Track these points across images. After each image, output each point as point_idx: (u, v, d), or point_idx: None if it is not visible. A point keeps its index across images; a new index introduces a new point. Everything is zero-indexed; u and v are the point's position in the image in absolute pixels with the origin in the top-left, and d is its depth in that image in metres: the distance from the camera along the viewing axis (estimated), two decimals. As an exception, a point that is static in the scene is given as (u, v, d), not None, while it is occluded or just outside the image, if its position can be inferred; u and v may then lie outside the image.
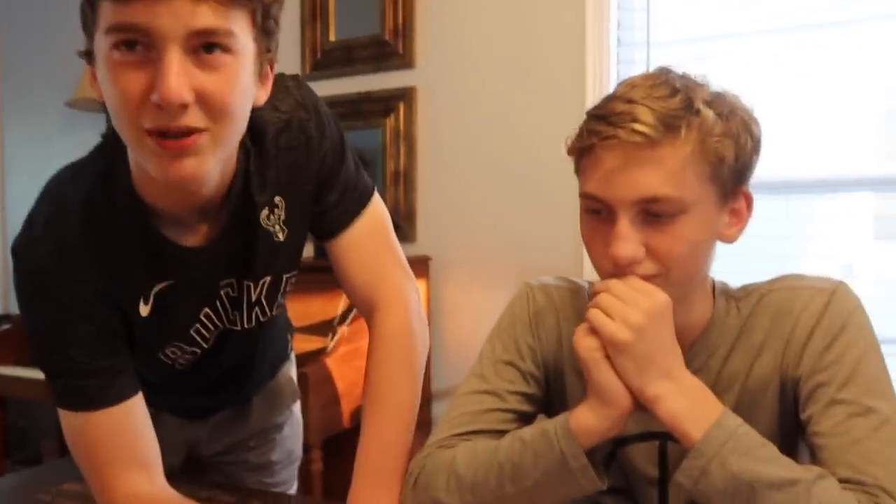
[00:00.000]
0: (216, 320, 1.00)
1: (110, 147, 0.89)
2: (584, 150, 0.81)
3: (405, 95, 2.67)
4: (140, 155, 0.80)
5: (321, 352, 2.28)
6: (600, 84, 2.30)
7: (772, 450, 0.74)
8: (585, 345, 0.79)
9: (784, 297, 0.86)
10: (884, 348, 0.81)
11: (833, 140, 2.17)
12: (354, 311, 2.32)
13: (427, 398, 2.62)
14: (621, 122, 0.77)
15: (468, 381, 0.95)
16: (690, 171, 0.77)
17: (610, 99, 0.82)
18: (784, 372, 0.84)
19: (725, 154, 0.78)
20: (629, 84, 0.81)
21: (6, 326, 3.16)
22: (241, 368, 1.18)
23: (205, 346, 1.01)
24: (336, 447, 2.32)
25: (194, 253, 0.92)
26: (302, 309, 2.37)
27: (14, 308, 3.53)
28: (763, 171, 0.86)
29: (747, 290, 0.90)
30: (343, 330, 2.33)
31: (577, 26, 2.35)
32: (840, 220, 2.23)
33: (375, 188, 1.09)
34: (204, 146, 0.77)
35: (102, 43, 0.75)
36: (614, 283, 0.79)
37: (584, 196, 0.82)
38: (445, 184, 2.66)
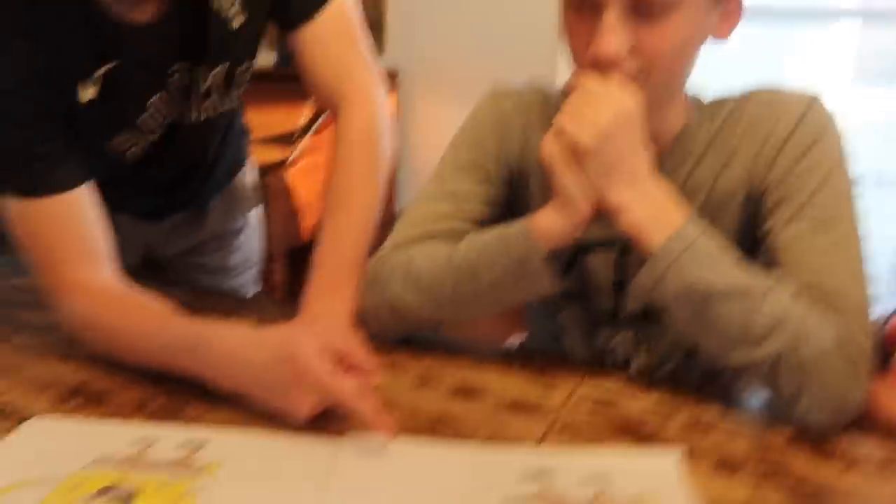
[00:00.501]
0: (164, 110, 0.94)
1: None
2: None
3: None
4: None
5: (283, 163, 2.23)
6: None
7: (731, 259, 0.74)
8: (551, 149, 0.76)
9: (759, 109, 0.83)
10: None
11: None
12: (318, 124, 2.26)
13: (391, 218, 2.61)
14: None
15: (428, 184, 0.93)
16: None
17: None
18: (751, 183, 0.82)
19: None
20: None
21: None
22: (193, 168, 1.14)
23: (152, 137, 0.96)
24: (299, 259, 2.33)
25: (140, 31, 0.85)
26: (263, 119, 2.30)
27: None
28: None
29: (722, 101, 0.86)
30: (305, 141, 2.27)
31: None
32: (823, 52, 2.17)
33: None
34: None
35: None
36: (587, 80, 0.75)
37: None
38: (417, -10, 2.52)
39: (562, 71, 2.28)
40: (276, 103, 2.27)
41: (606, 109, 0.73)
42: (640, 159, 0.76)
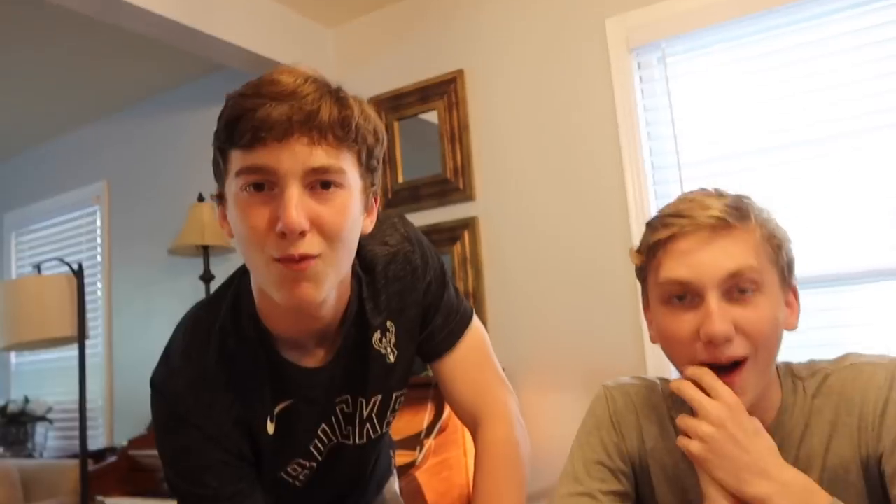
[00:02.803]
0: (331, 435, 1.05)
1: (234, 284, 0.98)
2: (658, 244, 0.84)
3: (468, 225, 2.93)
4: (266, 280, 0.86)
5: (411, 465, 2.38)
6: (640, 203, 2.53)
7: None
8: (687, 448, 0.82)
9: (846, 377, 0.87)
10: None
11: (849, 236, 2.21)
12: (439, 425, 2.46)
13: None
14: (694, 211, 0.82)
15: (563, 482, 0.98)
16: (762, 251, 0.81)
17: (672, 204, 0.86)
18: (864, 450, 0.84)
19: (782, 242, 0.84)
20: (683, 195, 0.88)
21: (112, 459, 3.31)
22: (353, 484, 1.22)
23: (320, 459, 1.06)
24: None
25: (313, 374, 0.98)
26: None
27: (118, 441, 3.75)
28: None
29: (812, 370, 0.91)
30: (430, 443, 2.43)
31: (615, 156, 2.60)
32: (870, 309, 2.19)
33: (473, 310, 1.16)
34: (319, 271, 0.84)
35: (233, 185, 0.84)
36: (698, 380, 0.81)
37: (667, 283, 0.84)
38: (511, 301, 2.84)
39: (647, 357, 2.45)
40: (400, 409, 2.47)
41: (721, 409, 0.79)
42: (765, 449, 0.80)
